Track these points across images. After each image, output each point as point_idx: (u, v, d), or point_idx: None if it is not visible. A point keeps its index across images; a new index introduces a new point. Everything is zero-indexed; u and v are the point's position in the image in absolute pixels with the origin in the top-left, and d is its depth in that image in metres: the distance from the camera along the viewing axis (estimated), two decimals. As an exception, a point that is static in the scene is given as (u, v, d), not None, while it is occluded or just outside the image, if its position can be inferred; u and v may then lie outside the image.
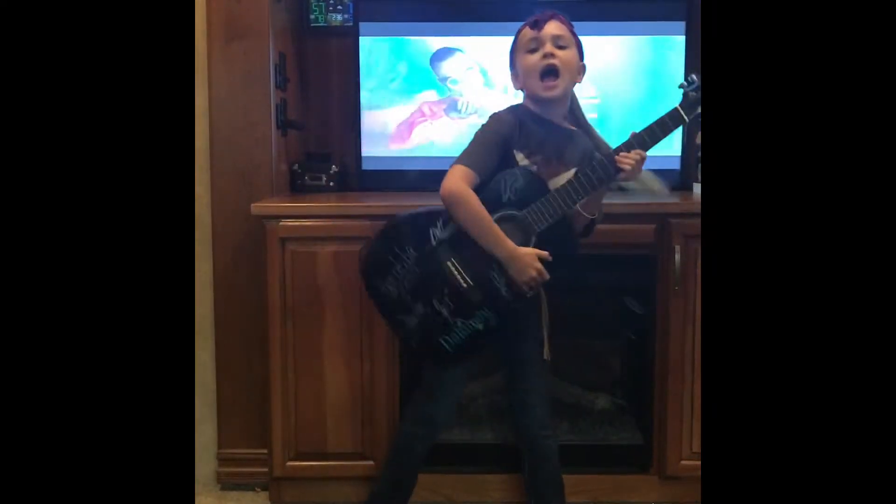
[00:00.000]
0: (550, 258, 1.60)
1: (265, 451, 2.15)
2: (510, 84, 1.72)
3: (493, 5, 2.37)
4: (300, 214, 2.04)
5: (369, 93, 2.40)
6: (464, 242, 1.61)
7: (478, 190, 1.59)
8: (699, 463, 2.08)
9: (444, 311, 1.61)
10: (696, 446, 2.09)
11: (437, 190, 1.62)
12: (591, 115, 2.36)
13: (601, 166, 1.58)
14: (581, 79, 1.69)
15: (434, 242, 1.61)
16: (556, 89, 1.62)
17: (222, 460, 2.26)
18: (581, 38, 1.69)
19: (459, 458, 2.15)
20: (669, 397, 2.07)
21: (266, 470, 2.16)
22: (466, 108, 2.41)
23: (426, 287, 1.62)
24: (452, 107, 2.41)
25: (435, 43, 2.37)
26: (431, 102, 2.41)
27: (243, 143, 2.17)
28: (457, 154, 1.65)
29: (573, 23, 1.68)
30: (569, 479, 2.13)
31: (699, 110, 1.58)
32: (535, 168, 1.61)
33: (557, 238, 1.61)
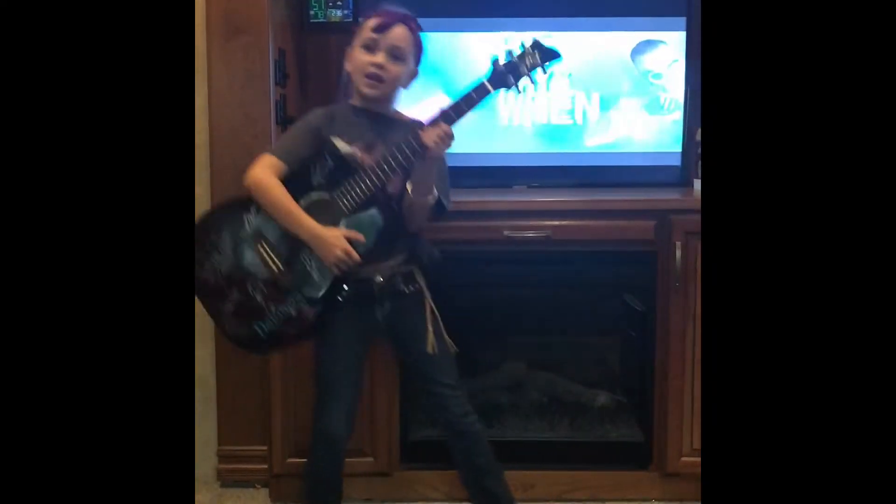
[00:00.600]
0: (362, 238, 1.60)
1: (265, 447, 2.15)
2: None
3: (494, 1, 2.36)
4: (300, 211, 2.03)
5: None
6: (276, 228, 1.64)
7: (289, 176, 1.62)
8: (699, 460, 2.08)
9: (258, 297, 1.63)
10: (696, 443, 2.08)
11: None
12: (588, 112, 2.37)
13: (406, 144, 1.59)
14: (408, 84, 1.72)
15: (248, 228, 1.64)
16: (374, 90, 1.65)
17: (222, 457, 2.26)
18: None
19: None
20: (669, 394, 2.07)
21: (266, 467, 2.16)
22: None
23: (241, 273, 1.65)
24: None
25: (435, 38, 2.36)
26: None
27: (243, 140, 2.16)
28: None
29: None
30: (569, 476, 2.14)
31: (513, 82, 1.61)
32: (356, 153, 1.63)
33: (369, 221, 1.62)
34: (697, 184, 2.32)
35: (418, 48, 1.69)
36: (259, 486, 2.24)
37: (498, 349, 2.43)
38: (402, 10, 1.67)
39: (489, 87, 1.60)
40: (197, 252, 1.66)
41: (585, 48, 2.32)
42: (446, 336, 1.74)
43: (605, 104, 2.37)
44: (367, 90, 1.65)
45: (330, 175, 1.61)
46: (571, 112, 2.37)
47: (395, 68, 1.64)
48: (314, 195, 1.62)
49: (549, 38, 1.70)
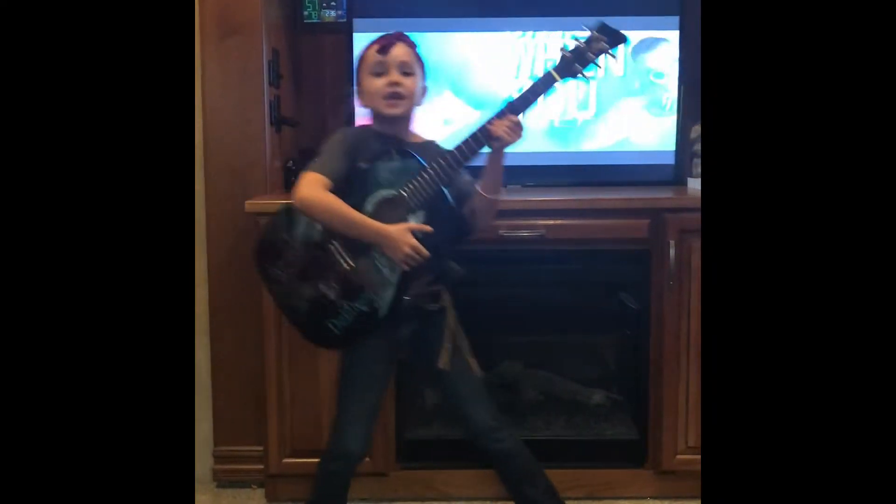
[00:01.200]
0: (429, 229, 1.59)
1: (261, 448, 2.15)
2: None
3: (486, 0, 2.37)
4: (294, 211, 2.03)
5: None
6: None
7: (348, 183, 1.60)
8: (694, 458, 2.09)
9: (331, 295, 1.62)
10: (692, 441, 2.09)
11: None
12: (585, 114, 2.37)
13: (473, 138, 1.59)
14: (422, 102, 1.71)
15: (320, 226, 1.63)
16: (398, 108, 1.65)
17: (218, 457, 2.26)
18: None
19: (455, 454, 2.15)
20: (664, 392, 2.08)
21: (262, 467, 2.16)
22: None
23: (313, 271, 1.63)
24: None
25: (425, 39, 2.37)
26: None
27: (237, 141, 2.16)
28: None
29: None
30: (565, 474, 2.14)
31: (580, 70, 1.60)
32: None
33: (442, 219, 1.61)
34: (691, 182, 2.33)
35: (421, 63, 1.69)
36: (255, 487, 2.24)
37: (494, 348, 2.44)
38: (394, 32, 1.68)
39: (556, 76, 1.60)
40: (271, 251, 1.67)
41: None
42: (470, 357, 1.71)
43: (601, 104, 2.37)
44: (390, 110, 1.64)
45: (396, 172, 1.60)
46: (565, 112, 2.38)
47: (409, 82, 1.64)
48: (382, 193, 1.61)
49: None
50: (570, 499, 2.14)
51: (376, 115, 1.69)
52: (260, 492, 2.22)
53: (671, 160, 2.40)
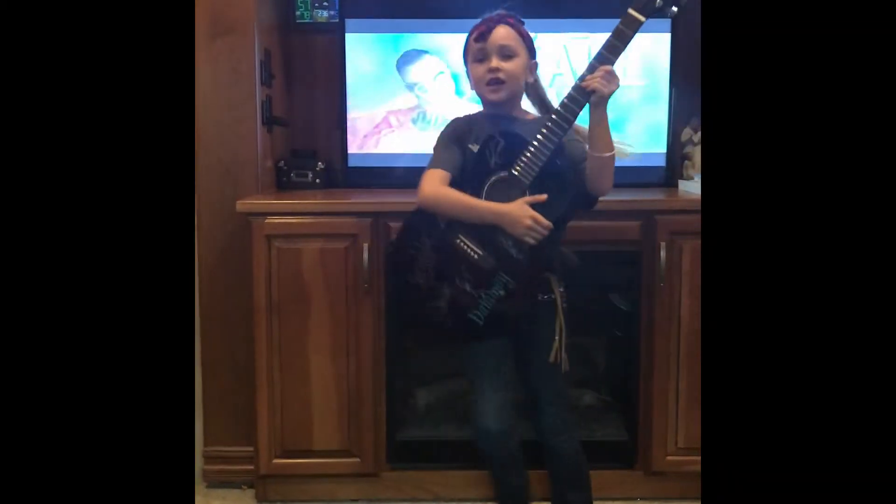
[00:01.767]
0: (543, 198, 1.60)
1: (251, 448, 2.14)
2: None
3: (481, 1, 2.36)
4: (286, 211, 2.03)
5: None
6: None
7: (462, 171, 1.66)
8: (684, 459, 2.10)
9: (467, 287, 1.65)
10: (681, 442, 2.10)
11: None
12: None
13: (570, 99, 1.59)
14: (532, 77, 1.73)
15: (442, 225, 1.67)
16: (499, 93, 1.67)
17: (208, 458, 2.25)
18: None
19: (446, 455, 2.15)
20: (654, 393, 2.09)
21: (252, 467, 2.15)
22: (436, 119, 2.39)
23: (447, 268, 1.66)
24: (422, 117, 2.40)
25: (409, 43, 2.37)
26: (398, 111, 2.39)
27: (229, 140, 2.16)
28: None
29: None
30: (555, 475, 2.15)
31: (664, 4, 1.55)
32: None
33: (555, 187, 1.62)
34: (682, 184, 2.34)
35: (527, 39, 1.70)
36: (245, 487, 2.24)
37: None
38: (497, 12, 1.69)
39: (637, 15, 1.55)
40: (404, 261, 1.71)
41: (571, 50, 2.34)
42: (564, 352, 1.73)
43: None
44: (492, 95, 1.68)
45: (504, 153, 1.62)
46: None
47: (509, 66, 1.66)
48: (494, 176, 1.63)
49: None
50: (560, 499, 2.15)
51: (482, 99, 1.73)
52: (250, 492, 2.21)
53: (662, 162, 2.41)
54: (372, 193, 2.22)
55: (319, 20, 2.47)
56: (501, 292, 1.63)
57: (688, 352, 2.06)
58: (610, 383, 2.39)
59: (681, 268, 2.05)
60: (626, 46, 1.57)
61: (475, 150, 1.65)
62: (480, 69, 1.67)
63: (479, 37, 1.67)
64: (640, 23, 1.55)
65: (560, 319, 1.71)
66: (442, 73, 2.39)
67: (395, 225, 1.95)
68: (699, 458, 2.00)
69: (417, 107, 2.40)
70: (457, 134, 1.71)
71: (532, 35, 1.72)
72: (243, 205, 2.03)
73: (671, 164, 2.41)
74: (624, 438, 2.18)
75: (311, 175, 2.37)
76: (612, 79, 1.56)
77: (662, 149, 2.40)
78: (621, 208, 2.07)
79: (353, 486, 2.13)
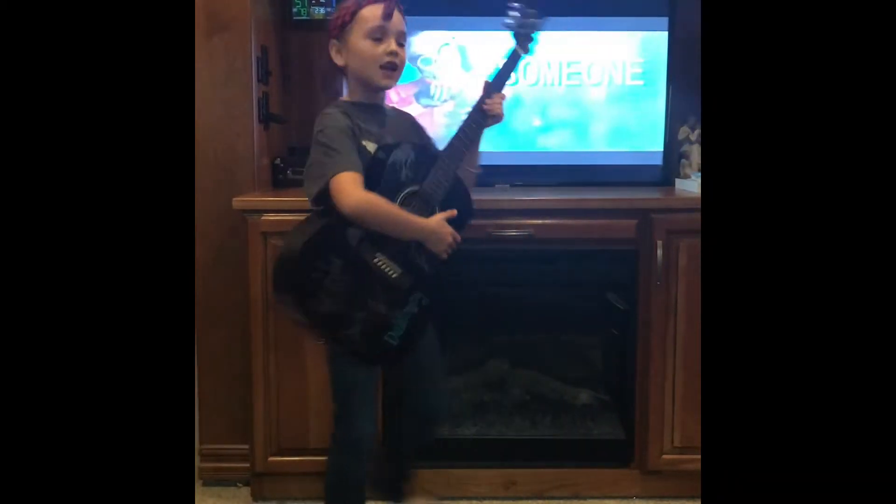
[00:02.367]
0: (454, 213, 1.62)
1: (247, 446, 2.14)
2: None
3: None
4: (282, 209, 2.03)
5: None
6: (381, 234, 1.57)
7: (376, 180, 1.54)
8: (680, 457, 2.10)
9: (382, 309, 1.57)
10: (678, 441, 2.10)
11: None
12: (574, 111, 2.37)
13: (473, 120, 1.64)
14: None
15: (353, 242, 1.54)
16: (392, 80, 1.63)
17: (204, 456, 2.25)
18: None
19: (442, 453, 2.15)
20: (651, 392, 2.09)
21: (248, 465, 2.15)
22: (440, 95, 2.37)
23: (360, 291, 1.55)
24: (424, 92, 2.39)
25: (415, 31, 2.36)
26: (399, 86, 2.35)
27: (225, 137, 2.15)
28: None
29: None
30: (551, 474, 2.15)
31: (535, 37, 1.69)
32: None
33: (459, 202, 1.64)
34: (679, 183, 2.34)
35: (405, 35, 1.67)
36: (240, 485, 2.23)
37: (481, 347, 2.44)
38: None
39: (521, 51, 1.69)
40: (308, 287, 1.52)
41: (569, 48, 2.33)
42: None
43: (590, 105, 2.38)
44: (384, 80, 1.61)
45: (414, 167, 1.60)
46: (554, 112, 2.38)
47: (404, 53, 1.63)
48: (406, 189, 1.59)
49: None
50: (555, 498, 2.15)
51: (360, 84, 1.64)
52: (245, 490, 2.21)
53: (659, 161, 2.40)
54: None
55: (316, 17, 2.47)
56: (415, 310, 1.61)
57: (684, 351, 2.06)
58: (606, 382, 2.39)
59: (677, 266, 2.05)
60: (510, 76, 1.69)
61: (370, 149, 1.56)
62: (376, 49, 1.58)
63: (386, 15, 1.58)
64: (521, 57, 1.70)
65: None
66: (447, 44, 2.35)
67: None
68: (696, 456, 2.03)
69: (420, 81, 2.37)
70: (349, 128, 1.56)
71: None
72: (239, 202, 2.02)
73: (668, 162, 2.41)
74: (620, 437, 2.18)
75: (307, 172, 2.37)
76: (503, 105, 1.67)
77: (659, 147, 2.40)
78: (618, 207, 2.07)
79: (349, 484, 2.13)
